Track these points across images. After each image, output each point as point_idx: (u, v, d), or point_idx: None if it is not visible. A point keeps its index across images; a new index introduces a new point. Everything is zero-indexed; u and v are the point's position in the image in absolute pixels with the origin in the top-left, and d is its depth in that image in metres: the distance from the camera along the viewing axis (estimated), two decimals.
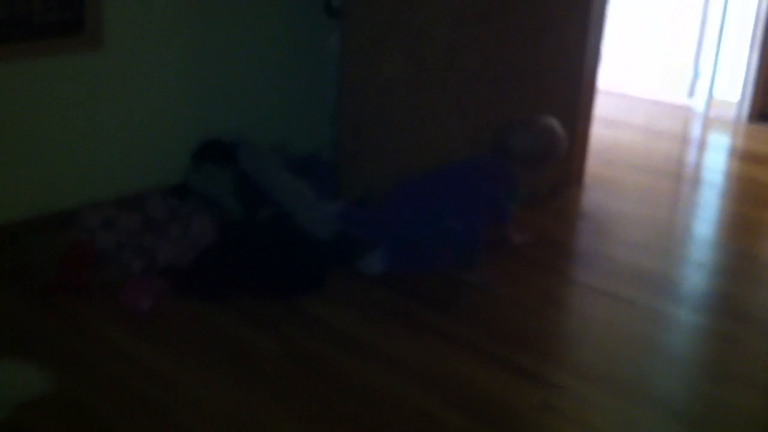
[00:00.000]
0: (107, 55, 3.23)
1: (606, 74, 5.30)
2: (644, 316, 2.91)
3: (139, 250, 2.99)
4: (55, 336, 2.60)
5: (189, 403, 2.32)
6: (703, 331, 2.89)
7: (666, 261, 3.39)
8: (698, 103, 5.57)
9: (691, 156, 4.94)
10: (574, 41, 3.78)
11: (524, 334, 2.78)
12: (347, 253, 3.13)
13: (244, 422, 2.25)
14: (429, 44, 3.32)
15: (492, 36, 3.42)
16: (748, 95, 5.38)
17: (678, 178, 4.46)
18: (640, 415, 2.36)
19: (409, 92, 3.36)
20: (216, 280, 2.88)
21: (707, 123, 5.41)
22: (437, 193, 3.20)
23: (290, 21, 3.78)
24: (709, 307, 3.07)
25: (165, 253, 2.96)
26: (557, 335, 2.91)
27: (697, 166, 4.78)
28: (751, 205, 4.08)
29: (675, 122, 5.37)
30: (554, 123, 3.29)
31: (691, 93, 5.64)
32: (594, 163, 4.27)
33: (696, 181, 4.50)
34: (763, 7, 5.22)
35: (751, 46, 5.30)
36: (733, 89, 5.43)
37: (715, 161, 4.86)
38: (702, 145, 5.13)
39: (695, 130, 5.31)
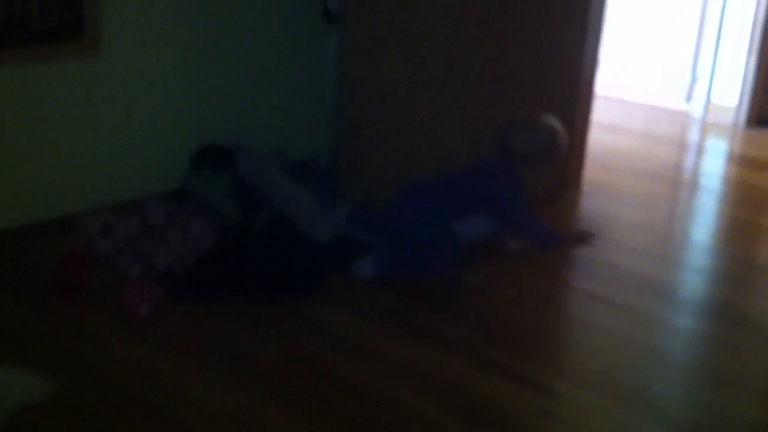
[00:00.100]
0: (106, 60, 3.22)
1: (604, 79, 5.30)
2: (643, 322, 2.91)
3: (137, 255, 2.98)
4: (54, 338, 2.60)
5: (188, 403, 2.31)
6: (702, 337, 2.89)
7: (664, 266, 3.39)
8: (696, 108, 5.58)
9: (689, 161, 4.95)
10: (573, 42, 3.79)
11: (523, 337, 2.78)
12: (346, 256, 3.12)
13: (244, 423, 2.25)
14: (429, 45, 3.32)
15: (492, 37, 3.42)
16: (746, 100, 5.39)
17: (676, 183, 4.47)
18: (639, 422, 2.35)
19: (408, 93, 3.36)
20: (214, 284, 2.88)
21: (705, 128, 5.42)
22: (443, 196, 3.20)
23: (289, 24, 3.78)
24: (708, 312, 3.07)
25: (164, 258, 2.96)
26: (556, 340, 2.91)
27: (695, 171, 4.79)
28: (750, 210, 4.08)
29: (673, 127, 5.37)
30: (555, 122, 3.29)
31: (689, 98, 5.65)
32: (592, 168, 4.27)
33: (694, 186, 4.51)
34: (761, 12, 5.23)
35: (749, 51, 5.32)
36: (731, 94, 5.44)
37: (713, 166, 4.87)
38: (700, 150, 5.14)
39: (693, 135, 5.33)
